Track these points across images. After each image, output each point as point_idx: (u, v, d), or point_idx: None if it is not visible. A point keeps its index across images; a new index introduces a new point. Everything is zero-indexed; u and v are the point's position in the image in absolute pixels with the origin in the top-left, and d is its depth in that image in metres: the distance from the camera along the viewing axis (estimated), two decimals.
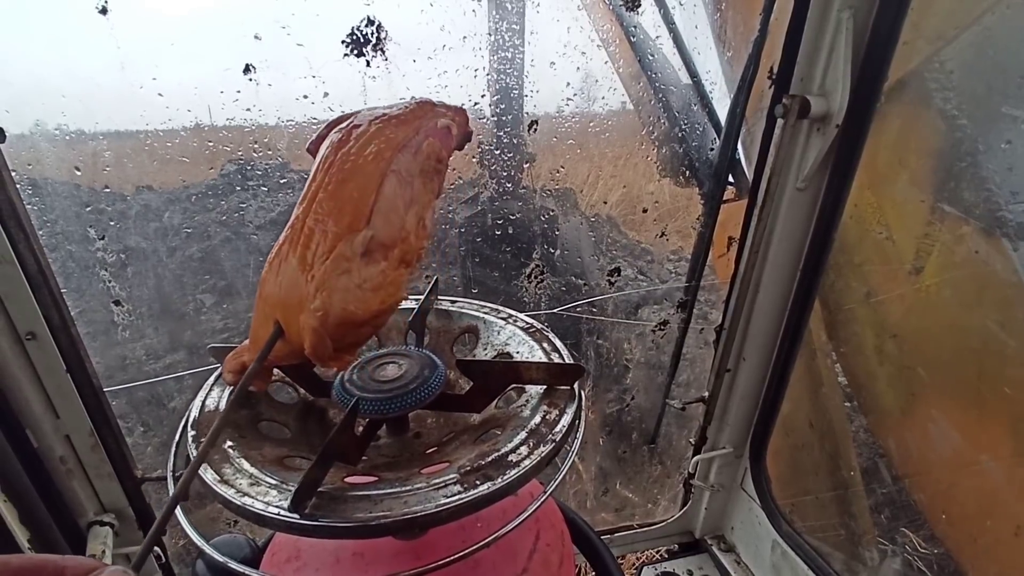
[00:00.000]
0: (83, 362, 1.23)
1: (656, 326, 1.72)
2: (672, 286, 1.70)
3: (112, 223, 1.23)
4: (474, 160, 1.39)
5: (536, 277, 1.54)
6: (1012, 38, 1.11)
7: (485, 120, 1.33)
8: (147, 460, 1.48)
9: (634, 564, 2.02)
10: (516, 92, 1.31)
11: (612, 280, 1.63)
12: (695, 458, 1.79)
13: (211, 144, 1.20)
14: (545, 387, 0.74)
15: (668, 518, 1.94)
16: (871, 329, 1.51)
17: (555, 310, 1.60)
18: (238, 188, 1.29)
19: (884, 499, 1.56)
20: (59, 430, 1.25)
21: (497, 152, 1.38)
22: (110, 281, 1.29)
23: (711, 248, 1.64)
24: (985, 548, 1.34)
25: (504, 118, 1.34)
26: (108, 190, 1.20)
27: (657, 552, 2.03)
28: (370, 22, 1.11)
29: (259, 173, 1.29)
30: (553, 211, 1.52)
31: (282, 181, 1.29)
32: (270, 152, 1.23)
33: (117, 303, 1.32)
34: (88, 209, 1.20)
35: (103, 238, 1.23)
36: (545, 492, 0.68)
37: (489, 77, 1.25)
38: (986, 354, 1.23)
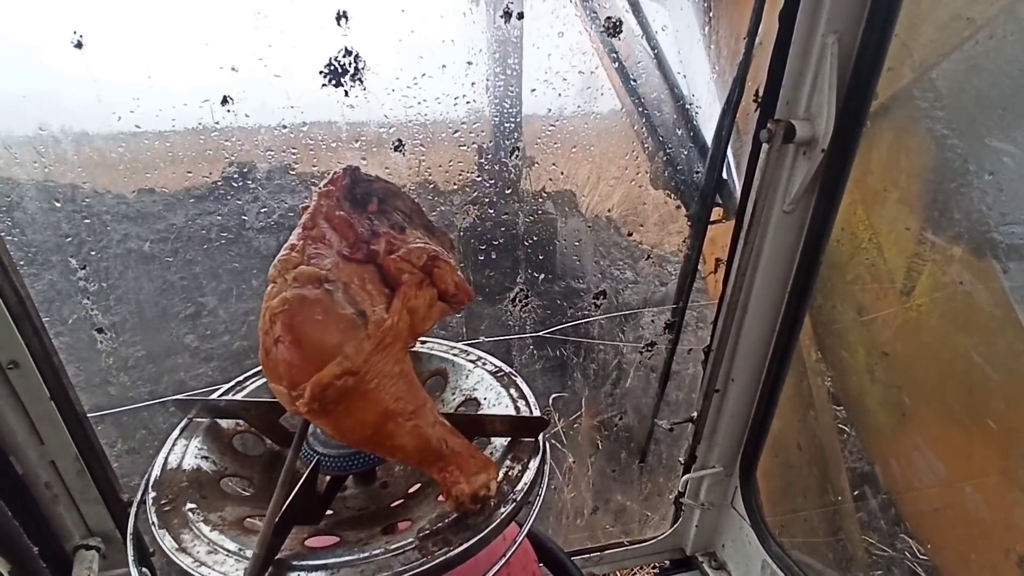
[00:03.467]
0: (66, 389, 1.24)
1: (644, 347, 1.71)
2: (667, 291, 1.68)
3: (93, 253, 1.23)
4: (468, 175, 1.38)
5: (521, 301, 1.54)
6: (993, 68, 1.10)
7: (467, 147, 1.32)
8: (134, 483, 1.48)
9: None
10: (498, 119, 1.30)
11: (598, 303, 1.63)
12: (685, 477, 1.78)
13: (190, 174, 1.19)
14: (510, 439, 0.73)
15: (659, 535, 1.94)
16: (862, 347, 1.50)
17: (540, 333, 1.59)
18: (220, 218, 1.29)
19: (873, 519, 1.55)
20: (44, 456, 1.26)
21: (480, 179, 1.37)
22: (92, 309, 1.29)
23: (701, 264, 1.64)
24: (976, 570, 1.33)
25: (486, 145, 1.34)
26: (88, 221, 1.20)
27: (648, 569, 2.02)
28: (348, 52, 1.11)
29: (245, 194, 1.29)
30: (546, 224, 1.51)
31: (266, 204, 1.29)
32: (249, 183, 1.23)
33: (100, 331, 1.32)
34: (68, 240, 1.20)
35: (84, 267, 1.23)
36: (517, 541, 0.68)
37: (468, 105, 1.24)
38: (971, 382, 1.22)
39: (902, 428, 1.43)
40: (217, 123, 1.14)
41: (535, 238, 1.47)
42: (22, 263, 1.17)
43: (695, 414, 1.69)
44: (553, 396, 1.83)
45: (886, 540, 1.54)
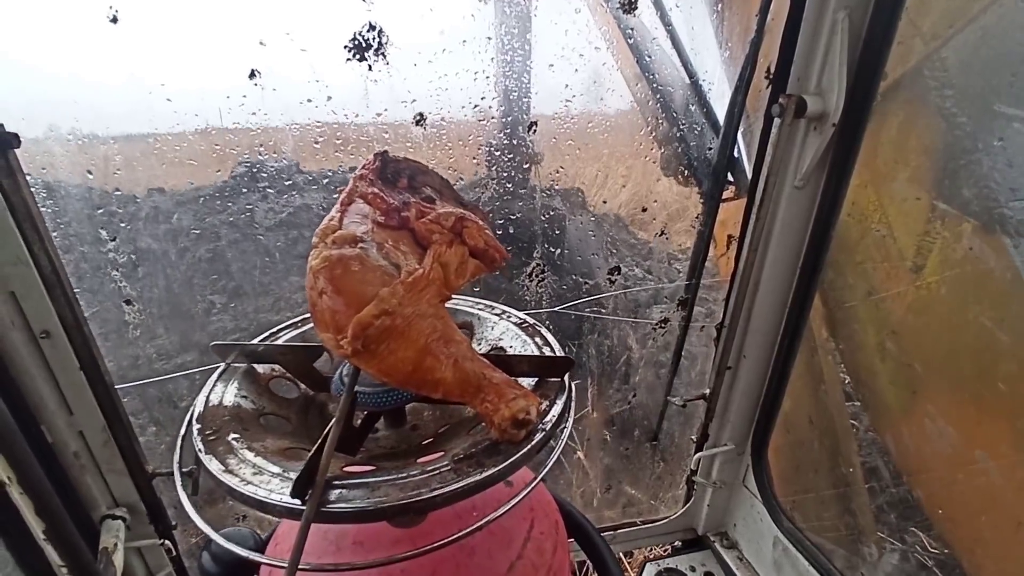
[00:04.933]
0: (96, 360, 1.26)
1: (657, 324, 1.74)
2: (676, 285, 1.71)
3: (123, 224, 1.27)
4: (475, 161, 1.41)
5: (537, 276, 1.57)
6: (1005, 36, 1.12)
7: (487, 121, 1.35)
8: (159, 456, 1.51)
9: (641, 560, 2.04)
10: (516, 94, 1.33)
11: (612, 279, 1.65)
12: (697, 455, 1.80)
13: (218, 147, 1.23)
14: (537, 379, 0.76)
15: (671, 515, 1.95)
16: (872, 326, 1.52)
17: (556, 308, 1.62)
18: (245, 191, 1.33)
19: (885, 496, 1.57)
20: (73, 426, 1.29)
21: (498, 153, 1.40)
22: (121, 281, 1.32)
23: (712, 246, 1.66)
24: (986, 544, 1.34)
25: (506, 119, 1.37)
26: (119, 192, 1.23)
27: (660, 549, 2.04)
28: (371, 27, 1.14)
29: (268, 175, 1.32)
30: (558, 209, 1.54)
31: (288, 183, 1.32)
32: (275, 155, 1.27)
33: (128, 302, 1.35)
34: (100, 211, 1.24)
35: (115, 239, 1.27)
36: (536, 478, 0.70)
37: (488, 80, 1.28)
38: (983, 351, 1.23)
39: (913, 404, 1.44)
40: (244, 97, 1.17)
41: (552, 212, 1.50)
42: (55, 233, 1.21)
43: (707, 391, 1.71)
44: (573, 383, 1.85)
45: (896, 534, 1.56)
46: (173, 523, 1.60)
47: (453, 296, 1.01)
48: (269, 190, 1.33)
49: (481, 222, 0.81)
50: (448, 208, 0.80)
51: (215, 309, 1.51)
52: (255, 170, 1.31)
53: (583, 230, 1.63)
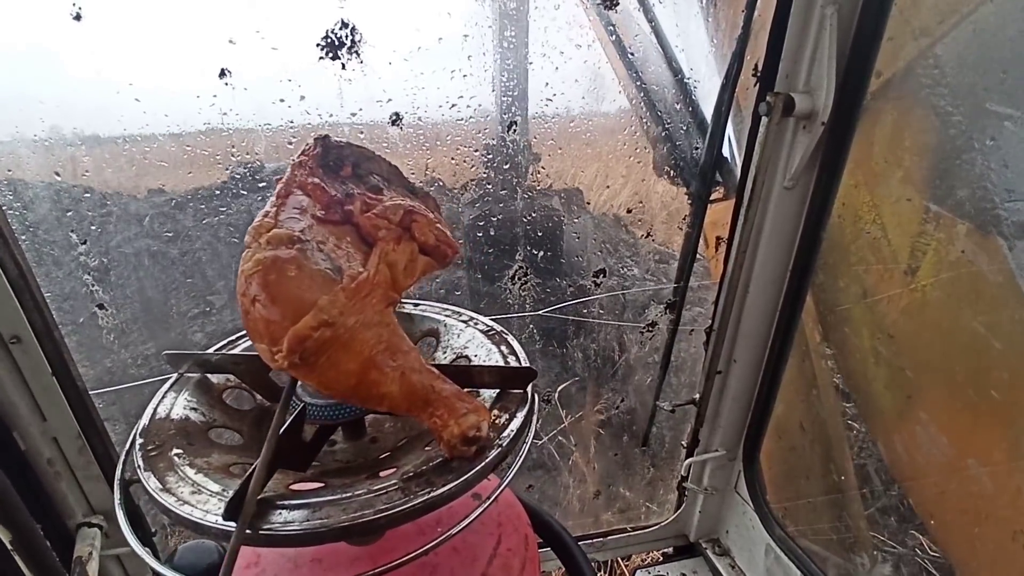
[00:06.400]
0: (67, 365, 1.24)
1: (645, 327, 1.70)
2: (669, 288, 1.68)
3: (94, 228, 1.24)
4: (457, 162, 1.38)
5: (520, 279, 1.54)
6: (996, 33, 1.09)
7: (464, 121, 1.32)
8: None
9: (633, 567, 2.01)
10: (496, 93, 1.30)
11: (597, 281, 1.62)
12: (688, 460, 1.77)
13: (189, 148, 1.20)
14: (498, 390, 0.73)
15: (662, 521, 1.92)
16: (866, 330, 1.48)
17: (540, 312, 1.59)
18: (219, 192, 1.30)
19: (877, 503, 1.54)
20: (46, 432, 1.26)
21: (477, 154, 1.37)
22: (93, 285, 1.30)
23: (704, 248, 1.63)
24: (978, 552, 1.31)
25: (485, 119, 1.34)
26: (88, 195, 1.21)
27: (651, 555, 2.01)
28: (344, 25, 1.11)
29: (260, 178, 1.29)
30: (543, 210, 1.51)
31: (261, 185, 1.29)
32: (247, 156, 1.24)
33: (101, 307, 1.33)
34: (69, 214, 1.21)
35: (84, 242, 1.25)
36: (495, 492, 0.67)
37: (465, 79, 1.24)
38: (976, 357, 1.20)
39: (907, 410, 1.41)
40: (215, 97, 1.14)
41: (535, 214, 1.47)
42: (23, 238, 1.18)
43: (697, 396, 1.68)
44: (560, 387, 1.83)
45: (891, 540, 1.52)
46: (152, 530, 1.58)
47: (420, 302, 0.98)
48: (243, 192, 1.31)
49: (432, 214, 0.76)
50: (396, 200, 0.75)
51: (196, 313, 1.49)
52: (244, 172, 1.28)
53: (569, 232, 1.59)
